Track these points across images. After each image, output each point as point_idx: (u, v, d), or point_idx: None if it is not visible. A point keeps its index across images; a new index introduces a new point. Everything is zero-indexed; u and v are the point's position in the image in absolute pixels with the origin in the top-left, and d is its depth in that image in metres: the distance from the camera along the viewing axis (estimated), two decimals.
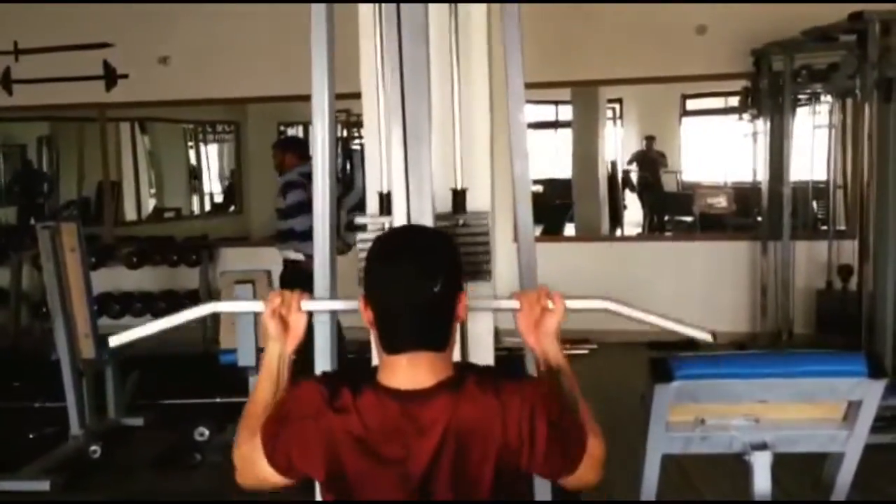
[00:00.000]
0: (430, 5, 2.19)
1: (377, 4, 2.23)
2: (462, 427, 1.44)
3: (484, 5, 2.50)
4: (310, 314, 1.78)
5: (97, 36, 7.15)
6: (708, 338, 1.83)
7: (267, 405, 1.66)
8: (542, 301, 1.71)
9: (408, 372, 1.48)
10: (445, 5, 2.27)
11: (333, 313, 2.23)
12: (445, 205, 2.31)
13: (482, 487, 1.47)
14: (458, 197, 2.33)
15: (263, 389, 1.71)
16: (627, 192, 10.03)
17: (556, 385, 1.67)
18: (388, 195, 2.21)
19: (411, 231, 1.74)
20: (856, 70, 5.00)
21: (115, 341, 1.98)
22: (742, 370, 2.13)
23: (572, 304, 1.74)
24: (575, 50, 6.64)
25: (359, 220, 2.40)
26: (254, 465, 1.58)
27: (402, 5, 2.14)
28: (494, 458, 1.46)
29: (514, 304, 1.74)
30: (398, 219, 2.11)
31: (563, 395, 1.65)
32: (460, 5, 2.31)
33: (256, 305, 1.82)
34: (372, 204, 2.41)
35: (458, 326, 1.58)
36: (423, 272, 1.47)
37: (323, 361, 2.22)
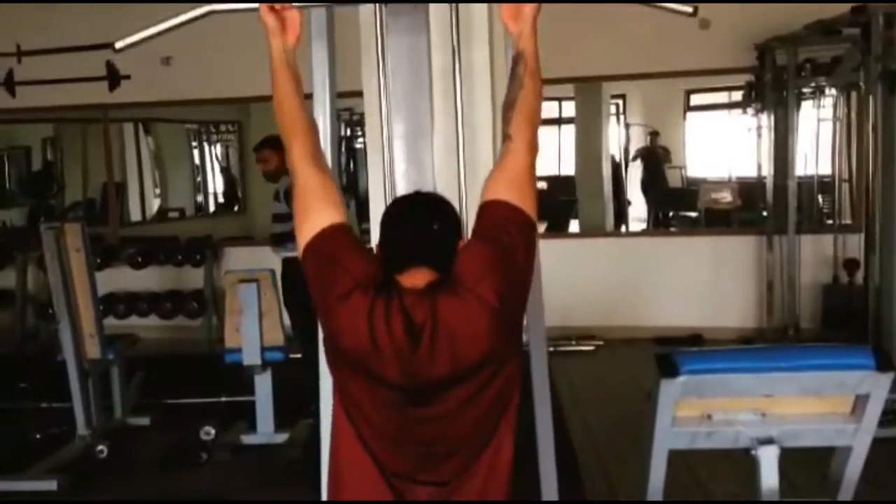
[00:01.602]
0: (431, 5, 2.19)
1: (378, 5, 2.22)
2: (447, 322, 1.61)
3: (485, 4, 2.49)
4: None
5: (99, 37, 7.15)
6: (688, 10, 1.99)
7: (290, 97, 1.87)
8: None
9: (411, 280, 1.67)
10: (446, 5, 2.27)
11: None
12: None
13: (482, 346, 1.63)
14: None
15: (284, 91, 1.88)
16: (632, 190, 10.00)
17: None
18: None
19: (419, 194, 1.90)
20: (859, 63, 4.99)
21: (119, 44, 2.19)
22: (748, 364, 2.12)
23: None
24: (578, 46, 6.62)
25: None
26: (302, 196, 1.79)
27: (404, 6, 2.14)
28: (485, 325, 1.61)
29: None
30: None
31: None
32: (461, 4, 2.30)
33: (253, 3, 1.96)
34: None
35: None
36: (426, 216, 1.71)
37: None
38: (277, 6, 1.93)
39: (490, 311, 1.62)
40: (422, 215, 1.72)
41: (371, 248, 1.83)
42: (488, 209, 1.75)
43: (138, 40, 2.08)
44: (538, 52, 1.87)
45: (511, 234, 1.70)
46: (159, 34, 2.10)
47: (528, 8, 1.88)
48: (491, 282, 1.63)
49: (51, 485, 4.05)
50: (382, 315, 1.61)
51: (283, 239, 5.16)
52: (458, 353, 1.62)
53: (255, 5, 1.94)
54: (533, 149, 1.80)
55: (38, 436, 4.82)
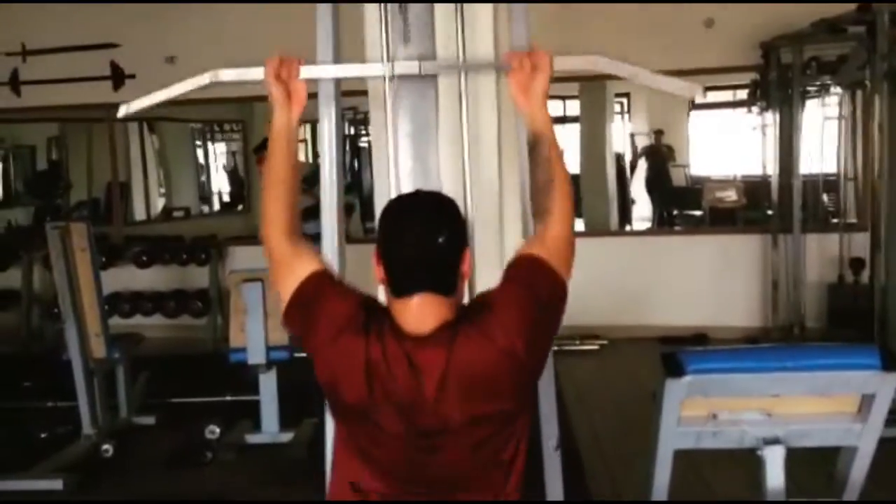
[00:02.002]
0: (436, 5, 2.19)
1: (383, 5, 2.22)
2: (463, 369, 1.53)
3: (490, 5, 2.49)
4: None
5: (104, 36, 7.16)
6: (698, 91, 2.05)
7: (282, 173, 1.82)
8: (533, 58, 1.84)
9: (416, 313, 1.57)
10: (451, 5, 2.27)
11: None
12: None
13: (502, 397, 1.57)
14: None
15: (278, 160, 1.84)
16: (636, 188, 9.98)
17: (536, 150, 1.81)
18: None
19: (419, 193, 1.81)
20: (865, 61, 4.96)
21: (123, 110, 2.21)
22: (754, 364, 2.12)
23: (561, 61, 1.84)
24: (581, 44, 6.57)
25: None
26: (277, 270, 1.73)
27: (409, 5, 2.14)
28: (507, 375, 1.54)
29: (507, 65, 1.87)
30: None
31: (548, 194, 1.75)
32: (466, 5, 2.30)
33: (258, 72, 1.94)
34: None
35: (464, 285, 1.66)
36: (430, 225, 1.59)
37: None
38: (284, 75, 1.90)
39: (518, 365, 1.54)
40: (425, 224, 1.60)
41: (352, 288, 1.73)
42: (527, 261, 1.67)
43: (143, 107, 2.09)
44: (551, 124, 1.84)
45: (548, 292, 1.63)
46: (164, 100, 2.10)
47: (540, 85, 1.83)
48: (525, 335, 1.55)
49: (56, 484, 4.06)
50: (381, 359, 1.53)
51: None
52: (473, 402, 1.54)
53: (261, 75, 1.92)
54: (572, 221, 1.75)
55: (43, 435, 4.82)
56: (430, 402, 1.53)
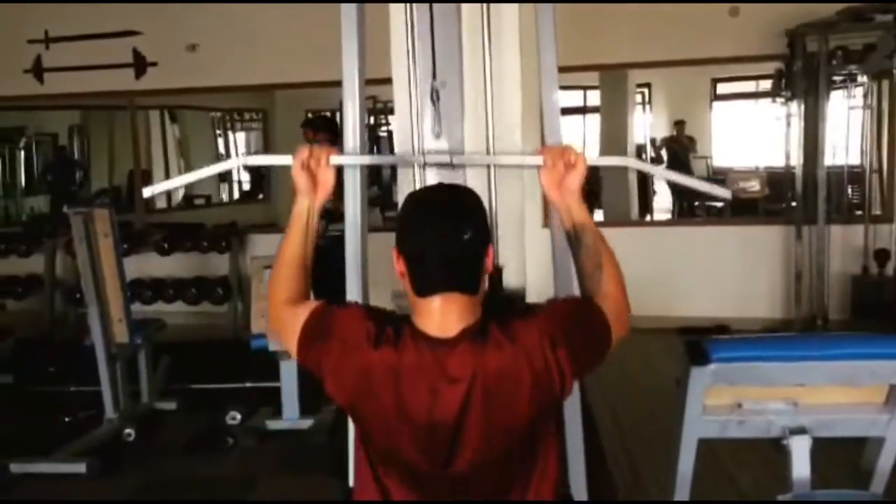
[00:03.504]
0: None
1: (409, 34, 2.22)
2: (489, 377, 1.49)
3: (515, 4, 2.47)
4: (339, 170, 1.88)
5: (126, 24, 7.19)
6: (727, 194, 2.04)
7: (296, 258, 1.81)
8: (566, 156, 1.79)
9: (439, 316, 1.53)
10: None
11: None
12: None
13: (515, 431, 1.52)
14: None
15: (293, 243, 1.81)
16: (657, 178, 9.92)
17: (578, 242, 1.77)
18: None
19: (441, 187, 1.77)
20: (892, 50, 4.91)
21: (147, 192, 2.15)
22: (780, 353, 2.09)
23: (593, 160, 1.84)
24: (603, 32, 6.56)
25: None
26: (283, 332, 1.71)
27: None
28: (528, 399, 1.50)
29: (539, 160, 1.82)
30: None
31: (586, 262, 1.75)
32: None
33: (286, 159, 1.87)
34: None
35: (486, 278, 1.61)
36: (454, 221, 1.54)
37: (353, 232, 2.24)
38: (312, 164, 1.84)
39: (544, 379, 1.50)
40: (448, 220, 1.55)
41: (358, 305, 1.72)
42: (583, 300, 1.69)
43: (167, 189, 2.09)
44: (588, 212, 1.80)
45: (595, 329, 1.61)
46: (189, 183, 2.08)
47: (575, 183, 1.79)
48: (558, 351, 1.51)
49: (79, 467, 4.10)
50: (399, 368, 1.49)
51: None
52: (496, 412, 1.50)
53: (288, 160, 1.85)
54: (626, 302, 1.76)
55: (66, 419, 4.87)
56: (454, 412, 1.49)
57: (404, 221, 1.59)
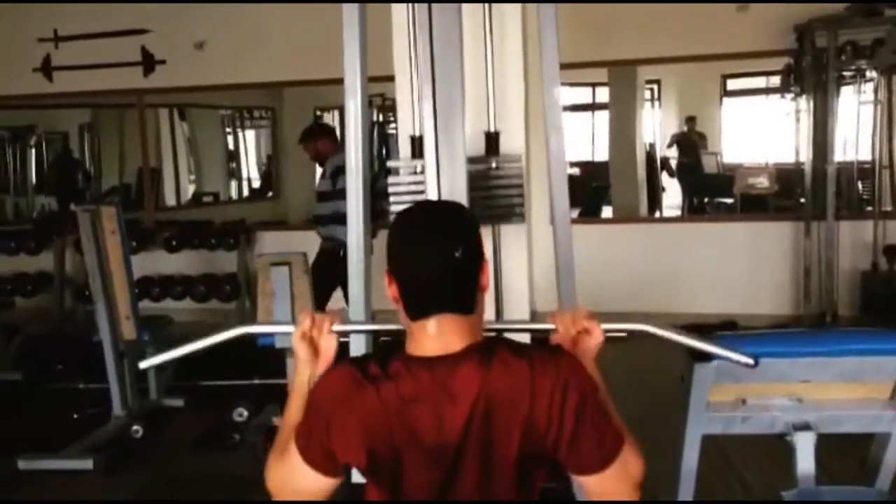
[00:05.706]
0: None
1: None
2: (492, 395, 1.42)
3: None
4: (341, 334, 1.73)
5: (134, 22, 7.22)
6: (749, 362, 1.75)
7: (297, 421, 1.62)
8: (579, 324, 1.65)
9: (436, 337, 1.47)
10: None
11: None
12: (479, 149, 2.29)
13: (507, 466, 1.45)
14: (491, 140, 2.32)
15: (296, 408, 1.65)
16: (666, 177, 9.89)
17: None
18: (420, 139, 2.20)
19: (430, 205, 1.72)
20: None
21: (144, 364, 2.00)
22: (785, 349, 2.08)
23: (610, 328, 1.67)
24: (612, 29, 6.54)
25: (391, 163, 2.42)
26: (290, 476, 1.55)
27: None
28: (519, 432, 1.43)
29: (550, 327, 1.68)
30: (429, 161, 2.09)
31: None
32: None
33: (288, 328, 1.77)
34: (404, 148, 2.41)
35: (483, 297, 1.55)
36: (445, 240, 1.48)
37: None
38: (314, 334, 1.71)
39: (540, 424, 1.43)
40: (438, 238, 1.48)
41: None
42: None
43: (168, 359, 1.98)
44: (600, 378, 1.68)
45: (601, 411, 1.54)
46: (192, 352, 1.99)
47: (591, 349, 1.65)
48: (569, 395, 1.43)
49: (87, 464, 4.12)
50: (397, 400, 1.42)
51: (324, 220, 5.28)
52: (497, 432, 1.44)
53: (290, 329, 1.74)
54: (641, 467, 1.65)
55: (74, 415, 4.89)
56: (458, 430, 1.43)
57: (394, 244, 1.52)
